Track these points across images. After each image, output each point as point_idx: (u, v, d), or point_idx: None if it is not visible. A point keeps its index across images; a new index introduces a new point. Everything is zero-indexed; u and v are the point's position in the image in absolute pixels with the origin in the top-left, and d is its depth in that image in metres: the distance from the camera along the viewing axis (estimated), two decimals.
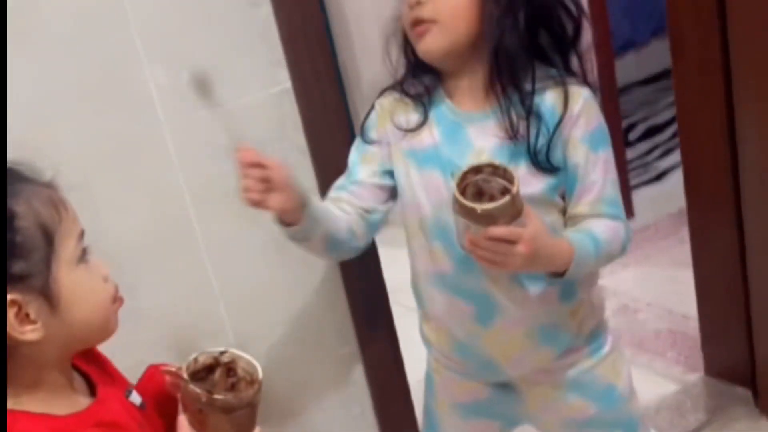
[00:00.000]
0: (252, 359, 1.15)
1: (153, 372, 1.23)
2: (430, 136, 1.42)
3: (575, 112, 1.38)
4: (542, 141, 1.36)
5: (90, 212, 1.43)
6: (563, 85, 1.39)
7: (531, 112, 1.36)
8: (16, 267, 0.98)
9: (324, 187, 1.60)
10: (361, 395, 1.80)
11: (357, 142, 1.51)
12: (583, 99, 1.39)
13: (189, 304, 1.58)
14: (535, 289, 1.42)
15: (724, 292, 2.24)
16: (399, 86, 1.46)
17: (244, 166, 1.24)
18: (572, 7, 1.38)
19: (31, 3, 1.35)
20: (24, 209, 0.99)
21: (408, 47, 1.43)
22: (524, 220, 1.25)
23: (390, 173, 1.47)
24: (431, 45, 1.36)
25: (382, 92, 1.50)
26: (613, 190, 1.43)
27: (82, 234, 1.07)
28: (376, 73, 1.51)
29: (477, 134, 1.40)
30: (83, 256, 1.06)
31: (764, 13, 1.84)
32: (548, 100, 1.38)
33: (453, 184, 1.24)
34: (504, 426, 1.65)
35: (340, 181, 1.51)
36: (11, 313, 0.98)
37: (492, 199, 1.23)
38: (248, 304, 1.63)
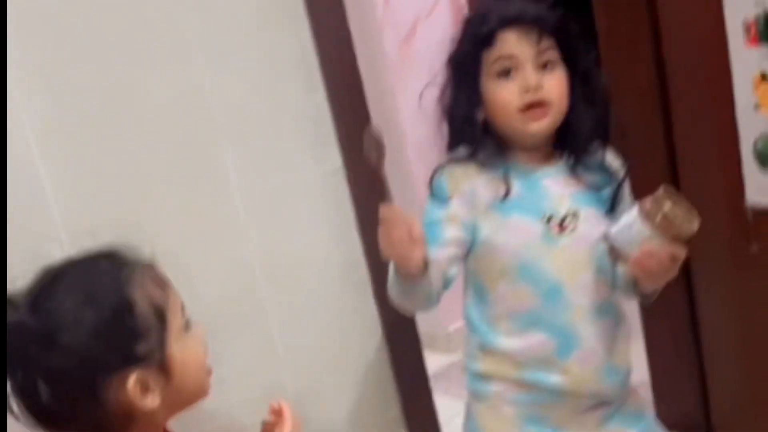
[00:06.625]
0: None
1: None
2: (509, 192, 1.53)
3: (618, 166, 1.61)
4: (611, 192, 1.56)
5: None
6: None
7: (605, 169, 1.57)
8: (139, 349, 1.06)
9: (372, 260, 1.70)
10: None
11: (433, 205, 1.57)
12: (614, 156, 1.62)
13: (256, 369, 1.66)
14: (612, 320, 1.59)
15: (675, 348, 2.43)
16: (469, 157, 1.56)
17: (392, 221, 1.32)
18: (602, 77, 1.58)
19: (136, 94, 1.48)
20: (140, 295, 1.08)
21: (477, 126, 1.54)
22: None
23: (469, 227, 1.55)
24: (546, 125, 1.51)
25: (440, 167, 1.57)
26: None
27: (183, 306, 1.15)
28: None
29: (553, 185, 1.56)
30: (187, 325, 1.15)
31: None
32: (605, 158, 1.60)
33: (663, 199, 1.37)
34: None
35: None
36: (137, 389, 1.06)
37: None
38: (307, 367, 1.73)
